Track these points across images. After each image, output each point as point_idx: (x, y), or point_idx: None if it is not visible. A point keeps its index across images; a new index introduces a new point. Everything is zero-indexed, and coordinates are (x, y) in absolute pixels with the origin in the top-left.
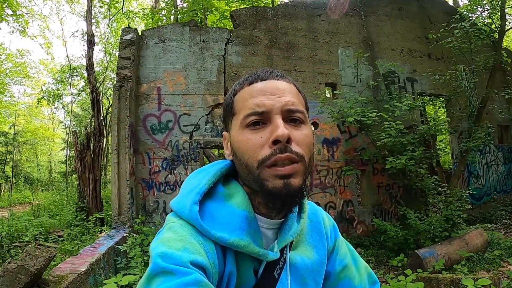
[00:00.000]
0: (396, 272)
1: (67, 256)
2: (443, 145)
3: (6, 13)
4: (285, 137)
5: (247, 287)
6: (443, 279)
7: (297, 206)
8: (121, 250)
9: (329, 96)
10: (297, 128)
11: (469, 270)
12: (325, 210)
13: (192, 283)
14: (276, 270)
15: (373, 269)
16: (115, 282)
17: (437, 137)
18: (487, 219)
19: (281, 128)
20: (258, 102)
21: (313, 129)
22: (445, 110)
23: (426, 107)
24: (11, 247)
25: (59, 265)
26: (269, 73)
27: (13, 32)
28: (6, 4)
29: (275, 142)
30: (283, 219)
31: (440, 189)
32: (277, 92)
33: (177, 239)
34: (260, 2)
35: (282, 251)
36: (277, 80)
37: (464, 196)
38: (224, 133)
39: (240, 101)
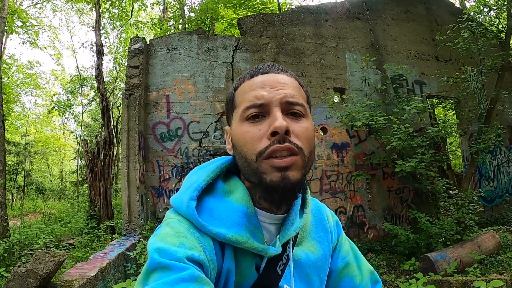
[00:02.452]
0: (408, 276)
1: (78, 263)
2: (454, 147)
3: (16, 25)
4: (283, 128)
5: (249, 283)
6: (455, 282)
7: (299, 200)
8: (131, 256)
9: (337, 101)
10: (297, 121)
11: (482, 273)
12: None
13: (188, 278)
14: (279, 266)
15: (384, 274)
16: (124, 287)
17: (448, 139)
18: (500, 221)
19: (279, 120)
20: (257, 95)
21: (322, 134)
22: (455, 112)
23: (435, 109)
24: (22, 254)
25: (68, 270)
26: (269, 66)
27: (23, 43)
28: (16, 16)
29: (274, 133)
30: (285, 214)
31: (451, 192)
32: (277, 85)
33: (174, 235)
34: (267, 9)
35: (285, 247)
36: (278, 73)
37: (476, 199)
38: (226, 127)
39: (241, 95)
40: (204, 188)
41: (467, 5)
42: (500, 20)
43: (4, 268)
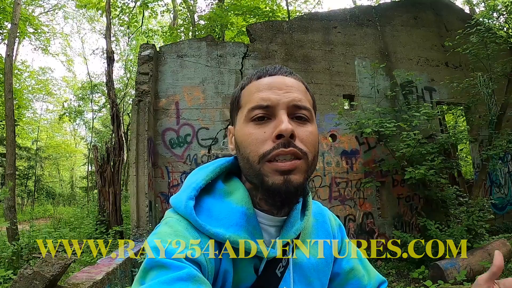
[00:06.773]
0: (417, 284)
1: (85, 267)
2: (464, 154)
3: (28, 31)
4: (289, 132)
5: (247, 285)
6: None
7: (299, 203)
8: (138, 261)
9: (346, 107)
10: (302, 125)
11: None
12: (345, 223)
13: (186, 277)
14: (278, 268)
15: (393, 282)
16: None
17: (458, 146)
18: (511, 229)
19: (285, 123)
20: (264, 96)
21: (331, 140)
22: (465, 118)
23: (445, 116)
24: (30, 257)
25: (75, 273)
26: (277, 69)
27: (35, 49)
28: (28, 22)
29: (278, 136)
30: (286, 217)
31: (461, 199)
32: (284, 87)
33: (172, 234)
34: (276, 16)
35: (285, 249)
36: (286, 76)
37: (487, 206)
38: (230, 127)
39: (247, 95)
40: (204, 189)
41: (477, 10)
42: (510, 25)
43: (12, 271)
